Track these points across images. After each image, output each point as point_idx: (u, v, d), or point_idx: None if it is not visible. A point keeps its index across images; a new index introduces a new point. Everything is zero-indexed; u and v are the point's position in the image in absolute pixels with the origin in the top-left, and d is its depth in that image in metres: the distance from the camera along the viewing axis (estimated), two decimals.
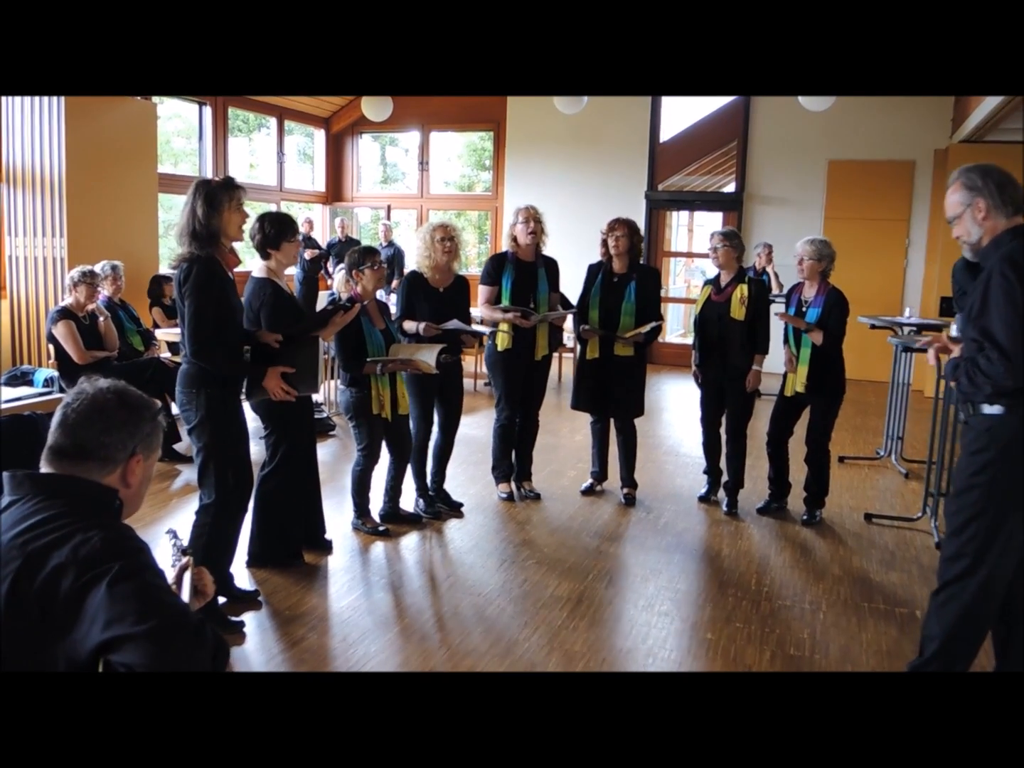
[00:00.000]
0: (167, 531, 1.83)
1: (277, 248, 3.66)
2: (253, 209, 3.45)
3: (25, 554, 1.43)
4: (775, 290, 7.54)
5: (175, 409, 3.31)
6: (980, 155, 8.14)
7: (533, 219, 4.67)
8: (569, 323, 5.10)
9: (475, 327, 4.65)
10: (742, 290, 4.65)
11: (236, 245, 3.38)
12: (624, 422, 4.93)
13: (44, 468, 1.59)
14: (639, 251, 4.82)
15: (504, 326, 4.68)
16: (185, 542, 1.84)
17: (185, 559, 1.73)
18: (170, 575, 1.69)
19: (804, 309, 4.54)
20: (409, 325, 4.44)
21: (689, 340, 8.40)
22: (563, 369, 8.82)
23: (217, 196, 3.15)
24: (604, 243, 4.79)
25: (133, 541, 1.52)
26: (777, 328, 4.71)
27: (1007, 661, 2.79)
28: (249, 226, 3.81)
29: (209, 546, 3.28)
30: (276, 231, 3.65)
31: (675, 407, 8.03)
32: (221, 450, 3.25)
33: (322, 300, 7.80)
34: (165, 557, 1.77)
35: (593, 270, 4.86)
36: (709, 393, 4.86)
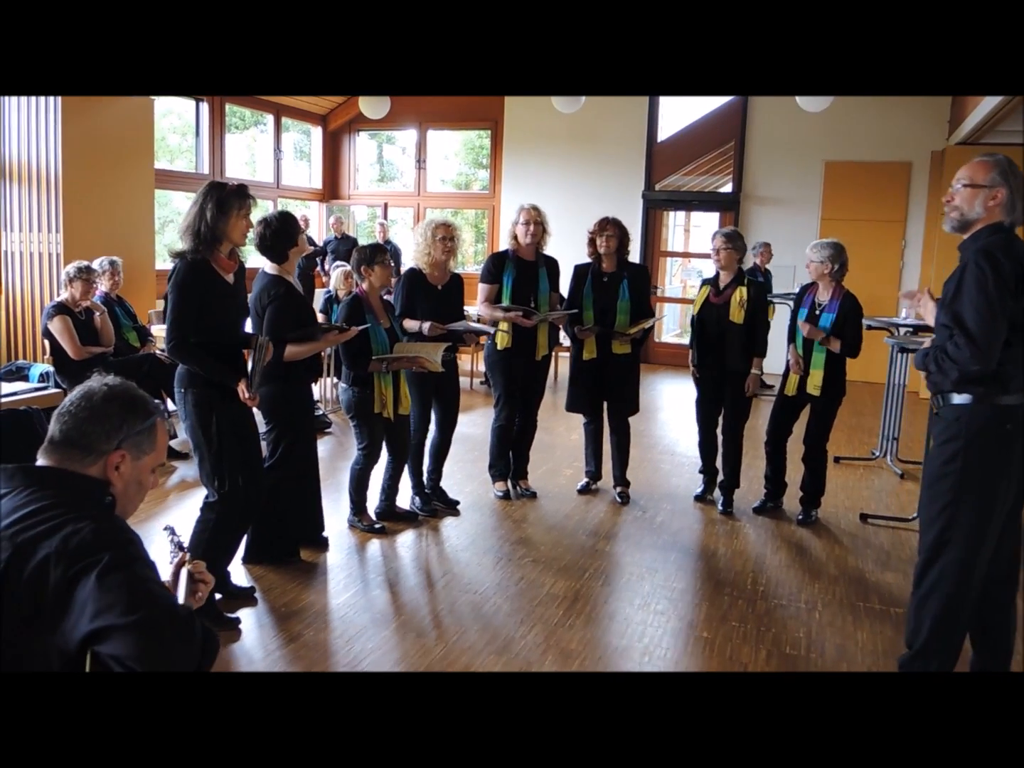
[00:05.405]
0: (165, 527, 1.84)
1: (295, 245, 3.73)
2: (253, 208, 3.45)
3: (15, 544, 1.43)
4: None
5: (172, 406, 3.31)
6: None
7: (534, 221, 4.65)
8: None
9: (482, 326, 4.64)
10: (741, 292, 4.64)
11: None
12: (619, 421, 4.94)
13: (39, 459, 1.60)
14: (627, 250, 4.82)
15: (504, 325, 4.67)
16: (185, 539, 1.84)
17: (182, 554, 1.73)
18: (167, 571, 1.70)
19: (817, 312, 4.52)
20: (411, 324, 4.42)
21: (685, 340, 8.41)
22: (559, 368, 8.82)
23: (228, 201, 3.16)
24: (591, 243, 4.78)
25: (124, 533, 1.52)
26: (781, 327, 4.70)
27: (984, 653, 2.81)
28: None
29: (210, 542, 3.29)
30: (290, 227, 3.72)
31: (671, 406, 8.04)
32: (216, 448, 3.25)
33: (318, 297, 7.78)
34: (163, 553, 1.77)
35: (581, 271, 4.83)
36: (706, 393, 4.86)
